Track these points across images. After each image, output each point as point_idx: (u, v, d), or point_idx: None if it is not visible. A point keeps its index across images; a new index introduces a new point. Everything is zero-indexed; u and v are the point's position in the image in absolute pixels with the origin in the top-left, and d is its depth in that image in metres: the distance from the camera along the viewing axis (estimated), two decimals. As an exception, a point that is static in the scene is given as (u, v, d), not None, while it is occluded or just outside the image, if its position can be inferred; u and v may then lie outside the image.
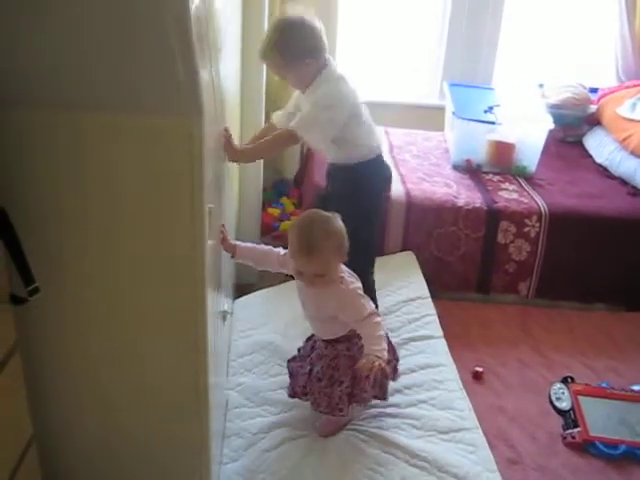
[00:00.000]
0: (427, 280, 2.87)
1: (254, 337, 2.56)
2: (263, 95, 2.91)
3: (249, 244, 2.07)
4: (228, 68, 2.06)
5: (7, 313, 1.34)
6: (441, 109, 3.89)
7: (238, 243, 2.03)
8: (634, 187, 3.30)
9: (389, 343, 2.08)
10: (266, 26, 2.79)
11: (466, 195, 3.09)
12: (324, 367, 2.04)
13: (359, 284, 1.97)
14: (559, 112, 3.73)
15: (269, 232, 3.45)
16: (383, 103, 4.08)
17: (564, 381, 2.53)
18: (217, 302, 1.83)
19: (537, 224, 3.00)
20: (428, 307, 2.70)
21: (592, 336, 2.88)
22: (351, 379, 2.02)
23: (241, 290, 2.85)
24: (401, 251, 3.02)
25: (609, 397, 2.45)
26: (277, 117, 2.41)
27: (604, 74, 4.07)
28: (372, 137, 2.39)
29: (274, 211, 3.59)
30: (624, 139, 3.44)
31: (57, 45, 1.18)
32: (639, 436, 2.29)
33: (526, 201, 3.09)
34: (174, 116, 1.24)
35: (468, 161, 3.40)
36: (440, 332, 2.56)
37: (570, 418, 2.35)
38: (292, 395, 2.15)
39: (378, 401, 2.16)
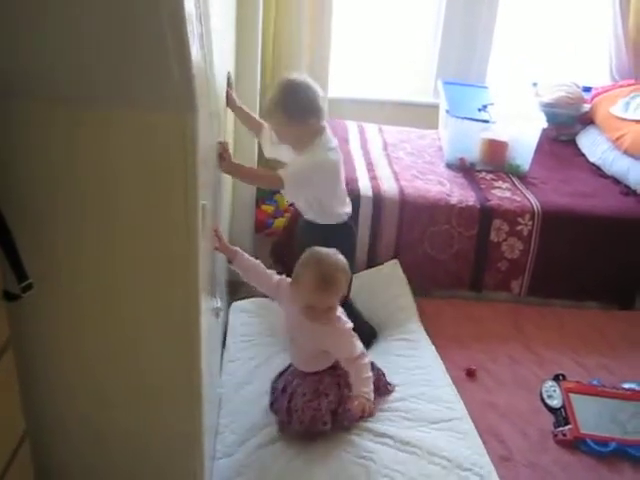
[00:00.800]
0: (420, 278, 2.88)
1: (253, 342, 2.59)
2: (257, 93, 2.91)
3: (252, 258, 2.11)
4: (223, 65, 2.06)
5: (0, 309, 1.35)
6: (435, 107, 3.90)
7: (240, 251, 2.07)
8: (627, 186, 3.32)
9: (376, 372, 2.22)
10: (260, 25, 2.80)
11: (459, 193, 3.10)
12: (307, 383, 2.09)
13: (351, 324, 2.04)
14: (552, 111, 3.74)
15: (263, 229, 3.45)
16: (377, 100, 4.11)
17: (555, 379, 2.54)
18: (210, 298, 1.83)
19: (530, 222, 3.01)
20: (412, 314, 2.75)
21: (584, 334, 2.90)
22: (336, 396, 2.07)
23: (234, 286, 2.86)
24: (394, 248, 3.01)
25: (600, 395, 2.46)
26: (267, 150, 2.46)
27: (598, 73, 4.09)
28: (344, 205, 2.46)
29: (268, 208, 3.59)
30: (617, 138, 3.46)
31: (53, 41, 1.18)
32: (630, 434, 2.30)
33: (519, 199, 3.10)
34: (168, 112, 1.24)
35: (462, 159, 3.41)
36: (428, 341, 2.59)
37: (561, 415, 2.37)
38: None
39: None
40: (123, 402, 1.56)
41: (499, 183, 3.27)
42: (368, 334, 2.58)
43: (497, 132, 3.38)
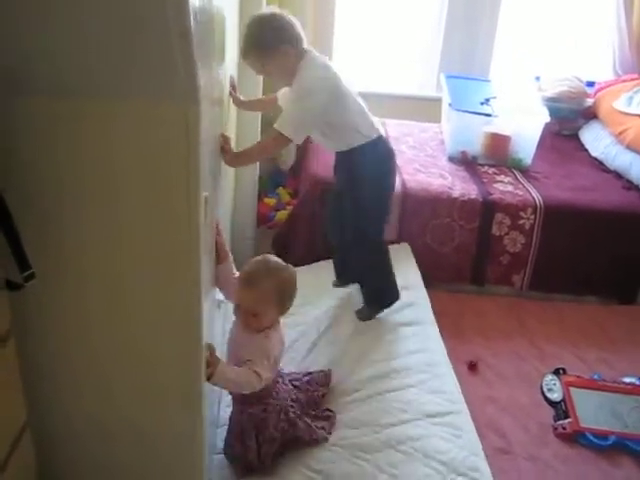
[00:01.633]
0: (421, 271, 2.87)
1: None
2: (261, 86, 2.91)
3: (236, 272, 1.96)
4: (226, 54, 2.06)
5: (2, 299, 1.35)
6: (438, 101, 3.90)
7: (231, 258, 1.96)
8: (629, 181, 3.32)
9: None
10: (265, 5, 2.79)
11: (461, 187, 3.10)
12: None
13: (276, 352, 1.88)
14: (555, 105, 3.75)
15: (265, 222, 3.45)
16: (380, 94, 4.10)
17: (556, 372, 2.55)
18: (212, 290, 1.84)
19: (532, 216, 3.01)
20: (421, 295, 2.71)
21: (584, 328, 2.91)
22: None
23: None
24: (397, 241, 3.02)
25: (600, 389, 2.48)
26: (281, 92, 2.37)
27: (601, 68, 4.08)
28: (363, 121, 2.34)
29: (270, 201, 3.59)
30: (620, 133, 3.46)
31: (56, 35, 1.18)
32: (629, 427, 2.31)
33: (521, 193, 3.10)
34: (171, 104, 1.24)
35: (464, 153, 3.41)
36: (432, 318, 2.56)
37: (561, 409, 2.38)
38: None
39: (367, 384, 2.22)
40: (126, 395, 1.56)
41: (501, 177, 3.28)
42: (389, 294, 2.55)
43: (499, 126, 3.38)
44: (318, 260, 2.91)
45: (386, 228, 2.51)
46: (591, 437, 2.26)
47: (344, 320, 2.57)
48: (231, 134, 2.50)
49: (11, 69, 1.20)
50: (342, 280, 2.72)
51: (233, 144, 2.27)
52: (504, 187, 3.15)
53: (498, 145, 3.39)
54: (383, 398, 2.19)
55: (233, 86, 2.30)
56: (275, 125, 2.12)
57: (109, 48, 1.19)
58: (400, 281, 2.78)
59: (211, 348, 1.67)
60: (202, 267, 1.44)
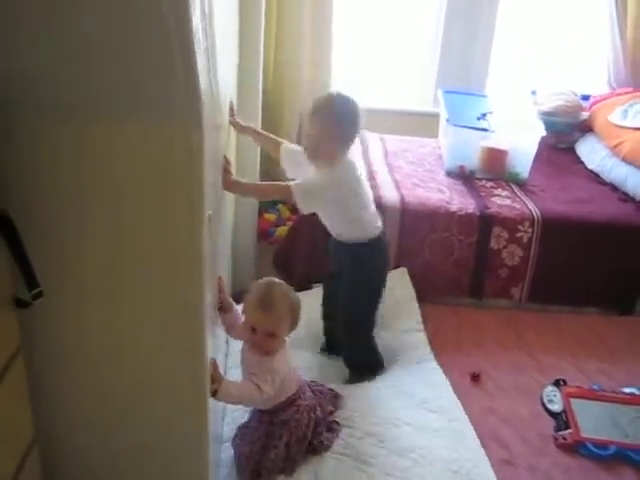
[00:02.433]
0: (420, 285, 2.91)
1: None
2: (260, 100, 2.94)
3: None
4: (226, 73, 2.09)
5: (11, 316, 1.38)
6: (435, 116, 3.94)
7: (235, 307, 2.04)
8: (625, 193, 3.35)
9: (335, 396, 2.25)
10: (263, 27, 2.82)
11: (459, 201, 3.13)
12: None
13: (283, 370, 1.96)
14: (551, 119, 3.78)
15: (265, 238, 3.48)
16: (378, 110, 4.13)
17: (556, 384, 2.57)
18: (215, 306, 1.87)
19: (529, 229, 3.04)
20: (414, 315, 2.77)
21: (584, 339, 2.93)
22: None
23: (237, 298, 2.88)
24: (395, 255, 3.04)
25: (600, 399, 2.49)
26: (286, 147, 2.42)
27: (596, 82, 4.13)
28: (373, 220, 2.40)
29: (270, 217, 3.63)
30: (615, 146, 3.49)
31: (59, 55, 1.20)
32: (629, 437, 2.33)
33: (518, 207, 3.13)
34: (175, 124, 1.27)
35: (461, 167, 3.44)
36: (432, 356, 2.62)
37: (562, 420, 2.39)
38: None
39: (370, 401, 2.27)
40: (129, 404, 1.58)
41: (499, 191, 3.31)
42: (373, 365, 2.55)
43: (496, 140, 3.42)
44: (319, 275, 2.93)
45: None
46: (592, 447, 2.27)
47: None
48: (231, 152, 2.53)
49: (13, 86, 1.24)
50: (329, 348, 2.69)
51: (233, 147, 2.30)
52: (502, 201, 3.19)
53: (495, 159, 3.43)
54: (388, 415, 2.24)
55: (232, 110, 2.33)
56: (293, 185, 2.17)
57: (111, 62, 1.22)
58: (400, 323, 2.82)
59: (214, 364, 1.71)
60: (205, 286, 1.47)
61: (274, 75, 3.71)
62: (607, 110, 3.74)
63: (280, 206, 3.73)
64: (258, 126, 2.95)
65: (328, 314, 2.61)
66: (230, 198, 2.67)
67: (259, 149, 2.97)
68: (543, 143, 3.45)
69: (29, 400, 1.50)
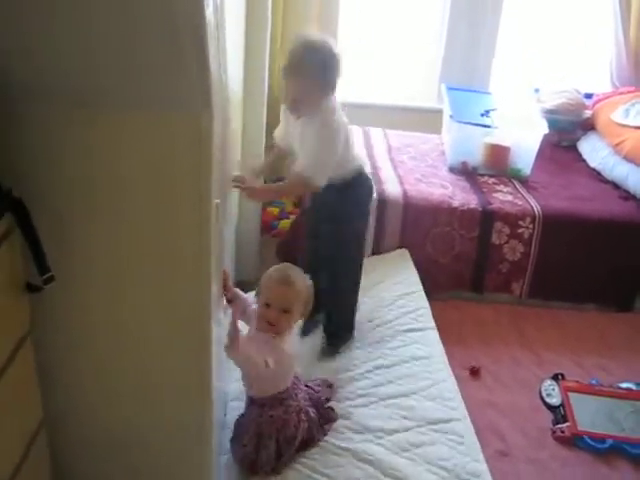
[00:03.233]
0: (422, 279, 2.93)
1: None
2: (265, 90, 2.95)
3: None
4: (233, 65, 2.10)
5: (23, 300, 1.40)
6: (439, 112, 3.96)
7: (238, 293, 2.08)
8: (626, 191, 3.37)
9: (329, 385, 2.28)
10: (270, 22, 2.83)
11: (461, 196, 3.16)
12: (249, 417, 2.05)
13: (288, 352, 1.98)
14: (554, 117, 3.80)
15: (268, 231, 3.50)
16: (382, 106, 4.17)
17: (555, 378, 2.60)
18: (220, 295, 1.89)
19: (531, 226, 3.07)
20: (421, 301, 2.77)
21: (582, 335, 2.96)
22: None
23: (240, 287, 2.90)
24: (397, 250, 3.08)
25: (598, 394, 2.53)
26: (278, 134, 2.46)
27: (599, 80, 4.14)
28: (355, 157, 2.42)
29: (273, 210, 3.64)
30: (617, 144, 3.51)
31: (67, 44, 1.22)
32: (625, 431, 2.36)
33: (520, 203, 3.16)
34: (184, 112, 1.29)
35: (464, 163, 3.46)
36: (433, 324, 2.62)
37: (560, 413, 2.42)
38: None
39: (371, 390, 2.28)
40: (134, 390, 1.60)
41: (501, 187, 3.33)
42: (345, 330, 2.56)
43: (499, 137, 3.44)
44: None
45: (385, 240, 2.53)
46: (589, 440, 2.31)
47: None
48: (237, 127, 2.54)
49: (23, 77, 1.26)
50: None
51: (239, 142, 2.31)
52: (504, 197, 3.21)
53: (498, 156, 3.45)
54: (386, 404, 2.25)
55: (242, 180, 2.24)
56: (305, 173, 2.21)
57: (121, 55, 1.23)
58: (401, 288, 2.85)
59: (226, 274, 1.94)
60: (212, 273, 1.49)
61: (279, 74, 3.71)
62: (610, 108, 3.75)
63: (284, 199, 3.74)
64: (263, 120, 2.98)
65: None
66: (234, 191, 2.70)
67: (264, 144, 2.99)
68: (546, 140, 3.47)
69: (38, 383, 1.52)
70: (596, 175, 3.62)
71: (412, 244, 3.08)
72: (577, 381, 2.60)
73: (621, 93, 3.87)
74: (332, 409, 2.19)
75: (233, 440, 2.06)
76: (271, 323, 1.94)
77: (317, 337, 2.56)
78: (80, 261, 1.44)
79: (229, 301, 2.02)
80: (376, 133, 3.89)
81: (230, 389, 2.30)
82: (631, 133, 3.46)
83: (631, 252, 3.13)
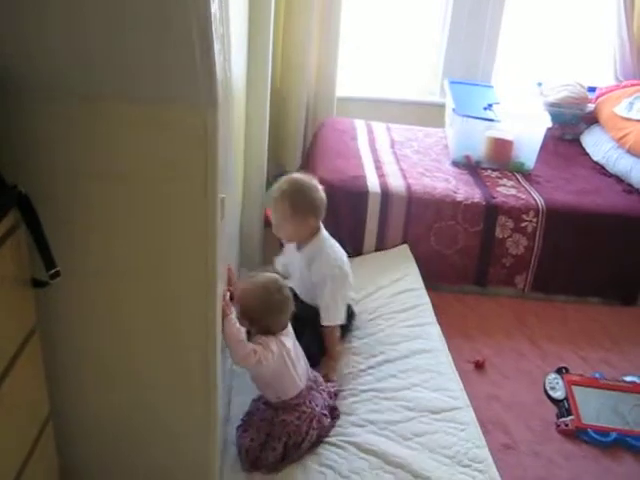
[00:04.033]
0: (426, 272, 2.93)
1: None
2: (269, 84, 2.95)
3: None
4: (236, 58, 2.10)
5: (29, 296, 1.41)
6: (442, 106, 3.95)
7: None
8: (629, 185, 3.37)
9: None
10: (273, 15, 2.83)
11: (465, 190, 3.16)
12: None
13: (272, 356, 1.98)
14: (557, 110, 3.80)
15: (271, 225, 3.49)
16: (385, 100, 4.17)
17: (559, 371, 2.61)
18: (224, 287, 1.89)
19: (534, 219, 3.07)
20: (423, 297, 2.76)
21: (586, 328, 2.96)
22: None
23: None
24: (401, 244, 3.08)
25: (602, 387, 2.53)
26: (279, 264, 2.67)
27: (602, 73, 4.13)
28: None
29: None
30: (621, 138, 3.51)
31: (66, 37, 1.23)
32: (630, 425, 2.37)
33: (524, 197, 3.15)
34: (189, 107, 1.29)
35: (467, 157, 3.46)
36: (434, 319, 2.62)
37: (564, 407, 2.43)
38: None
39: (372, 384, 2.28)
40: (138, 389, 1.61)
41: (504, 181, 3.33)
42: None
43: (502, 131, 3.44)
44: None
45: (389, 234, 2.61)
46: (593, 434, 2.31)
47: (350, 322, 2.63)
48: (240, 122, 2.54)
49: (40, 70, 1.26)
50: None
51: (241, 159, 2.33)
52: (507, 191, 3.21)
53: (501, 149, 3.45)
54: (389, 397, 2.25)
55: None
56: (327, 323, 2.40)
57: (127, 49, 1.24)
58: (402, 284, 2.84)
59: (230, 271, 2.03)
60: (217, 266, 1.49)
61: (282, 64, 3.72)
62: (613, 102, 3.75)
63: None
64: (266, 114, 2.98)
65: None
66: (238, 185, 2.70)
67: (267, 142, 2.99)
68: (549, 134, 3.47)
69: (45, 377, 1.53)
70: (599, 169, 3.61)
71: (415, 238, 3.08)
72: (581, 374, 2.60)
73: (625, 86, 3.86)
74: (336, 407, 2.20)
75: (241, 428, 2.08)
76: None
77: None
78: (83, 256, 1.44)
79: (232, 298, 2.02)
80: (379, 127, 3.88)
81: (234, 384, 2.31)
82: (635, 126, 3.46)
83: (635, 245, 3.12)
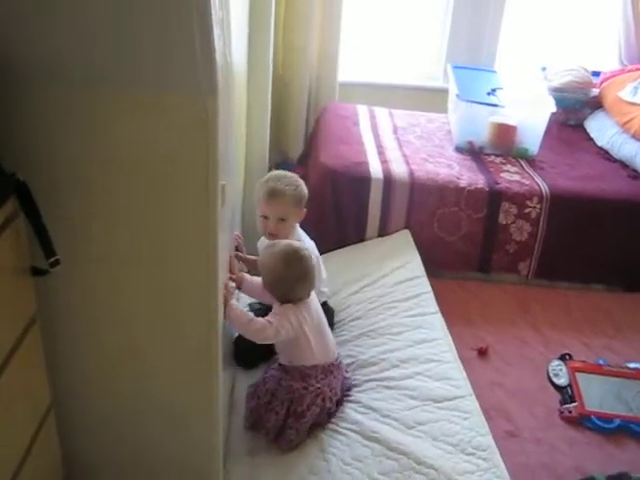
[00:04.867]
0: (429, 259, 2.92)
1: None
2: (270, 69, 2.93)
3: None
4: (237, 44, 2.09)
5: (28, 284, 1.40)
6: (445, 91, 3.93)
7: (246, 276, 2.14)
8: (634, 170, 3.34)
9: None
10: (274, 1, 2.80)
11: (468, 176, 3.14)
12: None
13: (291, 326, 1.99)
14: (561, 95, 3.77)
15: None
16: (388, 85, 4.15)
17: (562, 358, 2.60)
18: (226, 275, 1.89)
19: (538, 205, 3.05)
20: (424, 285, 2.74)
21: (590, 315, 2.95)
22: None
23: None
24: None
25: (605, 374, 2.53)
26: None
27: (607, 58, 4.10)
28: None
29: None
30: (625, 123, 3.48)
31: (68, 25, 1.22)
32: (633, 411, 2.36)
33: (527, 183, 3.13)
34: (189, 94, 1.28)
35: (471, 143, 3.44)
36: (436, 308, 2.60)
37: (567, 393, 2.42)
38: None
39: (375, 374, 2.28)
40: (138, 378, 1.61)
41: (508, 166, 3.31)
42: None
43: (506, 116, 3.41)
44: (327, 248, 2.95)
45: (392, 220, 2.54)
46: (596, 420, 2.31)
47: (353, 311, 2.64)
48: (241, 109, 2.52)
49: (41, 56, 1.24)
50: None
51: (243, 146, 2.30)
52: (510, 176, 3.19)
53: (505, 135, 3.42)
54: (392, 386, 2.24)
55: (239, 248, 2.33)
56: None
57: (126, 36, 1.23)
58: (403, 272, 2.83)
59: (233, 259, 2.09)
60: (218, 252, 1.48)
61: (284, 49, 3.70)
62: (617, 86, 3.72)
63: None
64: (268, 100, 2.96)
65: None
66: (239, 171, 2.69)
67: (269, 128, 2.98)
68: (553, 119, 3.44)
69: (45, 367, 1.52)
70: (604, 154, 3.59)
71: (418, 224, 3.07)
72: (584, 361, 2.59)
73: (629, 71, 3.83)
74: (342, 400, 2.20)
75: (251, 388, 2.12)
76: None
77: None
78: (84, 244, 1.44)
79: (239, 287, 2.08)
80: (382, 113, 3.86)
81: (237, 370, 2.31)
82: (639, 111, 3.43)
83: (639, 231, 3.11)
